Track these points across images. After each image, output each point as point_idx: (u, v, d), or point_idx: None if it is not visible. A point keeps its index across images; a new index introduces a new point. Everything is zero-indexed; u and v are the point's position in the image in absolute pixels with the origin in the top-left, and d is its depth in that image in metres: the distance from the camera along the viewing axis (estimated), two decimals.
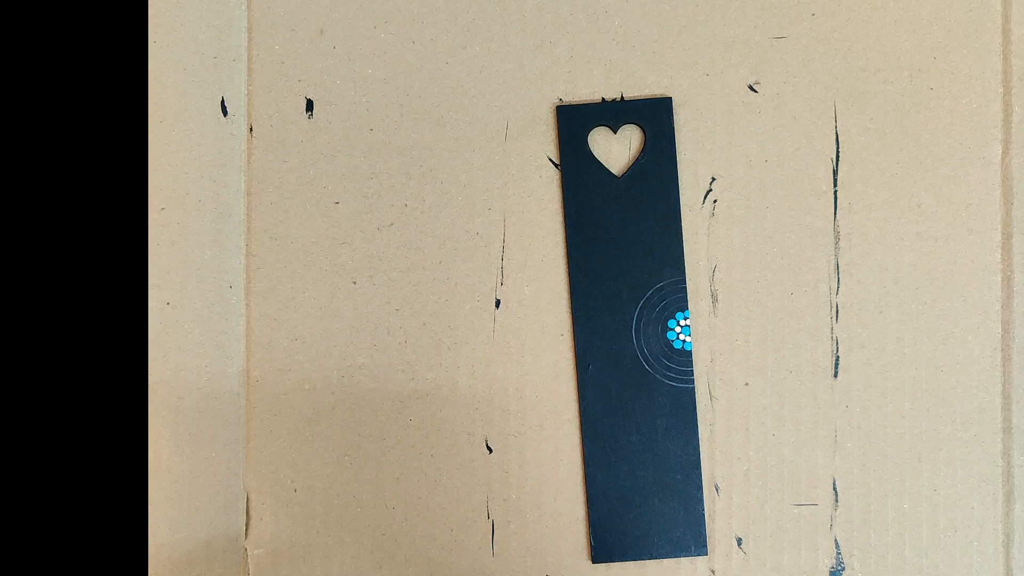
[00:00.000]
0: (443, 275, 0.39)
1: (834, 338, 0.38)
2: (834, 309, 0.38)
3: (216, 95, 0.39)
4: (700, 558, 0.38)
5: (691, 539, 0.38)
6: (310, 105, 0.39)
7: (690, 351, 0.38)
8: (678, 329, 0.38)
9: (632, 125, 0.39)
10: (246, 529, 0.38)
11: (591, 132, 0.39)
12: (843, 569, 0.38)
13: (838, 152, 0.38)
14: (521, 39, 0.39)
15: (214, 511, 0.38)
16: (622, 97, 0.39)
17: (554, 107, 0.39)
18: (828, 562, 0.38)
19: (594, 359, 0.38)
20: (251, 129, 0.39)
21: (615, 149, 0.39)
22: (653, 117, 0.38)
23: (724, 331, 0.38)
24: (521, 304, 0.39)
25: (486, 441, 0.38)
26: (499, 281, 0.39)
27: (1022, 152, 0.38)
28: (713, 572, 0.38)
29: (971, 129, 0.38)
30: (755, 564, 0.38)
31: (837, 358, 0.38)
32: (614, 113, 0.38)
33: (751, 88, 0.39)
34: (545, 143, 0.39)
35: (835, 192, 0.38)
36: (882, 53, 0.38)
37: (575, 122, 0.38)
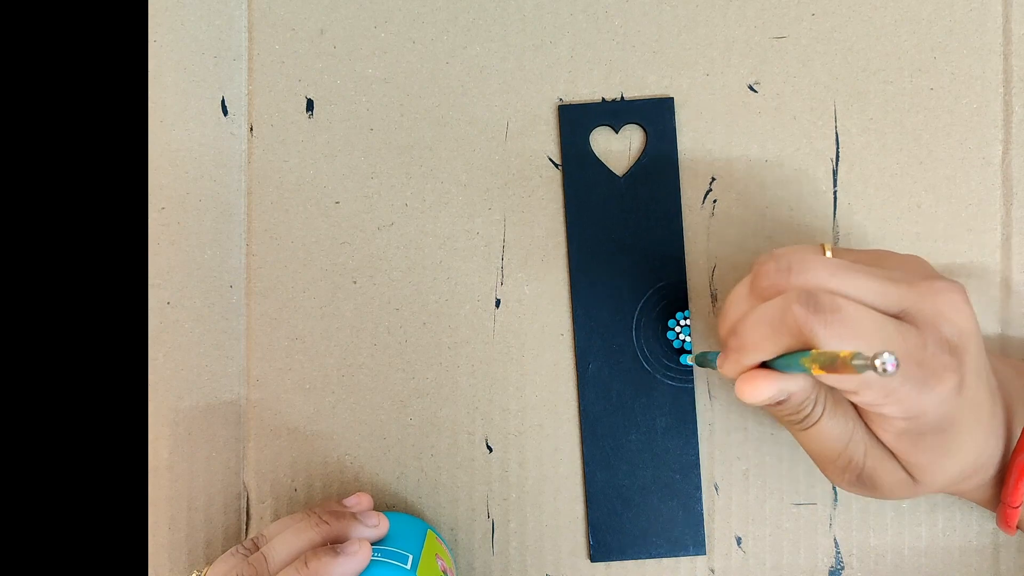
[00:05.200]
0: (443, 275, 0.39)
1: None
2: None
3: (216, 95, 0.39)
4: (699, 557, 0.38)
5: (690, 538, 0.38)
6: (310, 105, 0.39)
7: (690, 351, 0.38)
8: (678, 329, 0.38)
9: (633, 125, 0.39)
10: (246, 529, 0.38)
11: (592, 132, 0.39)
12: (842, 568, 0.38)
13: (838, 152, 0.38)
14: (521, 39, 0.39)
15: (214, 511, 0.38)
16: (622, 97, 0.39)
17: (555, 107, 0.39)
18: (827, 561, 0.38)
19: (594, 359, 0.38)
20: (251, 129, 0.39)
21: (616, 149, 0.39)
22: (654, 117, 0.38)
23: None
24: (521, 304, 0.39)
25: (486, 440, 0.38)
26: (499, 281, 0.39)
27: (1022, 152, 0.38)
28: (712, 571, 0.38)
29: (971, 129, 0.38)
30: (754, 563, 0.38)
31: None
32: (616, 113, 0.38)
33: (751, 88, 0.39)
34: (545, 143, 0.39)
35: (835, 192, 0.38)
36: (882, 53, 0.38)
37: (576, 122, 0.38)
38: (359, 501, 0.35)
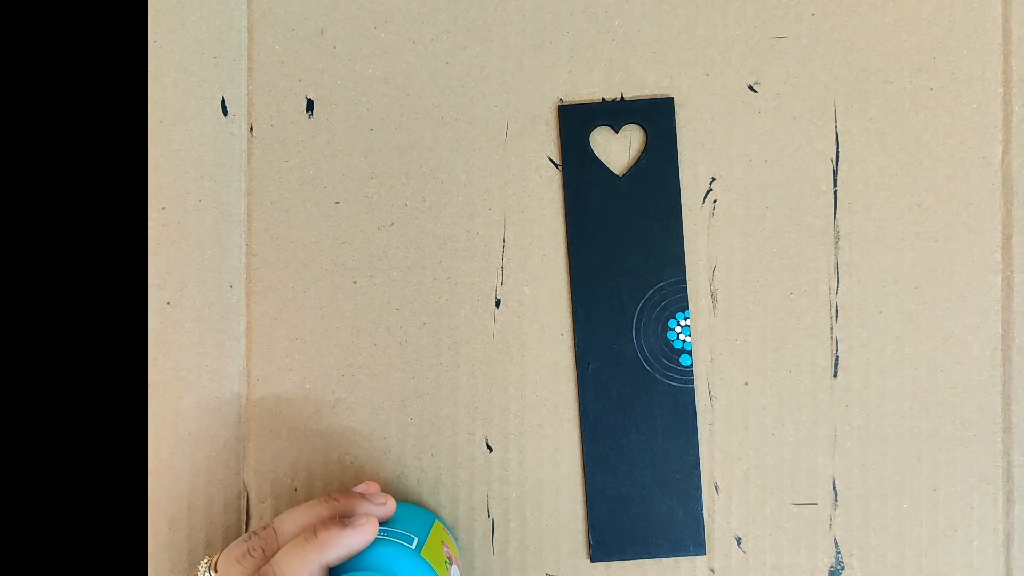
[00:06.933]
0: (443, 275, 0.39)
1: (834, 338, 0.38)
2: (834, 309, 0.38)
3: (216, 95, 0.39)
4: (699, 557, 0.38)
5: (690, 538, 0.38)
6: (310, 105, 0.39)
7: (690, 351, 0.38)
8: (678, 329, 0.38)
9: (633, 125, 0.39)
10: (246, 528, 0.38)
11: (592, 132, 0.39)
12: (842, 568, 0.38)
13: (838, 152, 0.38)
14: (521, 39, 0.39)
15: (214, 511, 0.38)
16: (622, 97, 0.39)
17: (555, 107, 0.39)
18: (828, 561, 0.38)
19: (594, 359, 0.38)
20: (251, 129, 0.39)
21: (616, 149, 0.39)
22: (655, 117, 0.38)
23: (724, 331, 0.38)
24: (521, 304, 0.39)
25: (486, 440, 0.38)
26: (499, 281, 0.39)
27: (1022, 152, 0.38)
28: (712, 571, 0.38)
29: (971, 129, 0.38)
30: (754, 563, 0.38)
31: (837, 358, 0.38)
32: (616, 113, 0.38)
33: (751, 88, 0.39)
34: (545, 143, 0.39)
35: (835, 192, 0.38)
36: (882, 53, 0.38)
37: (577, 121, 0.38)
38: (367, 488, 0.36)
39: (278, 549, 0.31)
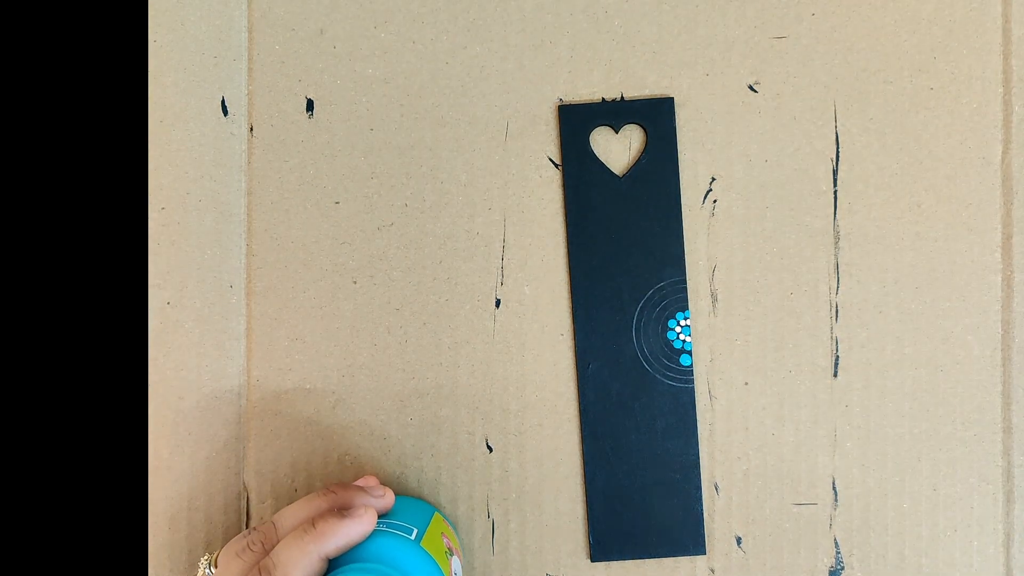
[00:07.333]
0: (443, 275, 0.39)
1: (834, 338, 0.38)
2: (834, 309, 0.38)
3: (216, 95, 0.39)
4: (699, 557, 0.38)
5: (690, 538, 0.38)
6: (310, 105, 0.39)
7: (690, 351, 0.38)
8: (678, 329, 0.38)
9: (633, 125, 0.39)
10: (246, 528, 0.38)
11: (592, 132, 0.39)
12: (842, 568, 0.38)
13: (838, 152, 0.38)
14: (521, 39, 0.39)
15: (214, 511, 0.38)
16: (622, 97, 0.39)
17: (555, 107, 0.39)
18: (828, 561, 0.38)
19: (594, 359, 0.38)
20: (251, 129, 0.39)
21: (616, 149, 0.39)
22: (655, 117, 0.38)
23: (724, 331, 0.38)
24: (521, 304, 0.39)
25: (486, 440, 0.38)
26: (499, 281, 0.39)
27: (1022, 152, 0.38)
28: (712, 571, 0.38)
29: (971, 129, 0.38)
30: (754, 563, 0.38)
31: (837, 358, 0.38)
32: (616, 113, 0.38)
33: (751, 88, 0.39)
34: (545, 143, 0.39)
35: (835, 192, 0.38)
36: (882, 53, 0.38)
37: (577, 121, 0.38)
38: (366, 482, 0.36)
39: (277, 542, 0.31)
